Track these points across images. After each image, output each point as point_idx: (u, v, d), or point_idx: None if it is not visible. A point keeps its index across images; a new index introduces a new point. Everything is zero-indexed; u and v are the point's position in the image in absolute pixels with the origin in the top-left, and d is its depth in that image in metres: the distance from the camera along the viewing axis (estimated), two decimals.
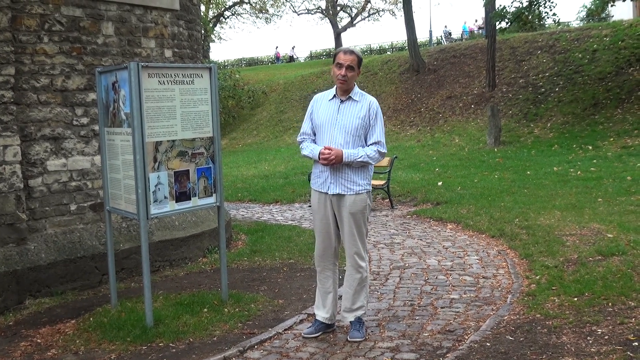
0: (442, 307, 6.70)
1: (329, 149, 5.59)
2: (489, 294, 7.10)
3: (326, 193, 5.76)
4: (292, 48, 61.73)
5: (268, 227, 11.61)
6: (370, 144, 5.69)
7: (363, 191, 5.73)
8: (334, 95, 5.83)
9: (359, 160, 5.61)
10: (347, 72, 5.65)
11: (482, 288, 7.36)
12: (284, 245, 9.92)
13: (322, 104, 5.88)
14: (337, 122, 5.72)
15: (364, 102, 5.75)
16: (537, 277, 7.39)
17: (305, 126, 5.96)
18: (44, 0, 7.84)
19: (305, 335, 5.94)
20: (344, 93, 5.77)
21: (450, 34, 55.11)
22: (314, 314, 6.15)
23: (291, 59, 59.96)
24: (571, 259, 7.92)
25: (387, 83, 34.22)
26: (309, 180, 15.05)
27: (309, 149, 5.81)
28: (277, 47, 64.34)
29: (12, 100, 7.46)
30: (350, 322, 5.94)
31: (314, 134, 5.90)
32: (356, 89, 5.81)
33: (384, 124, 5.86)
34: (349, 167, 5.66)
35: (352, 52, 5.75)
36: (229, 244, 10.11)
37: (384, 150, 5.73)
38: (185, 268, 8.85)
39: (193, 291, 7.48)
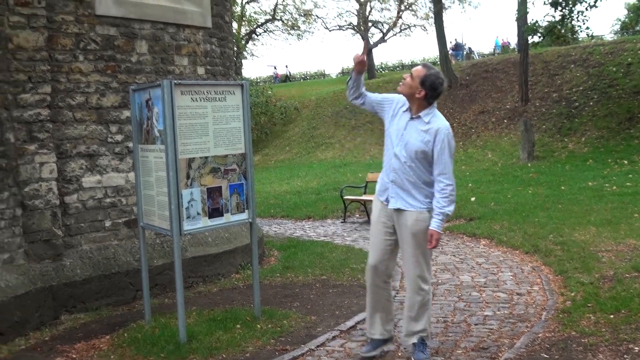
0: (475, 324, 6.64)
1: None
2: (523, 311, 7.02)
3: (386, 204, 5.54)
4: (286, 67, 62.12)
5: (300, 244, 11.62)
6: (436, 175, 5.32)
7: (425, 209, 5.40)
8: (408, 108, 5.51)
9: (443, 218, 5.30)
10: (407, 77, 5.43)
11: (516, 305, 7.28)
12: (316, 262, 9.91)
13: (399, 112, 5.57)
14: (402, 139, 5.43)
15: (433, 127, 5.35)
16: (572, 294, 7.30)
17: (377, 95, 5.79)
18: (79, 19, 7.96)
19: (364, 355, 5.71)
20: (416, 108, 5.43)
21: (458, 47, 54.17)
22: (367, 331, 5.88)
23: (287, 78, 60.03)
24: (607, 276, 7.82)
25: None
26: (342, 196, 15.18)
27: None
28: (275, 66, 64.68)
29: (48, 118, 7.57)
30: (413, 343, 5.60)
31: (369, 98, 5.71)
32: (428, 109, 5.44)
33: (453, 150, 5.45)
34: (410, 182, 5.40)
35: (423, 66, 5.49)
36: (261, 260, 10.12)
37: (450, 182, 5.32)
38: (218, 284, 8.88)
39: (226, 307, 7.49)
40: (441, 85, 5.39)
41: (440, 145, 5.31)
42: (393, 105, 5.63)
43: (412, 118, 5.45)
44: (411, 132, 5.41)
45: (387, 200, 5.55)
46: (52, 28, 7.72)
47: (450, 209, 5.32)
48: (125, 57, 8.42)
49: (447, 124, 5.43)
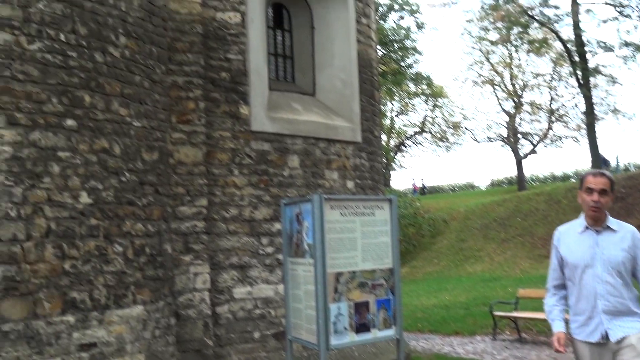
0: None
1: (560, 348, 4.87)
2: None
3: (603, 341, 4.86)
4: (421, 179, 61.85)
5: None
6: None
7: None
8: (585, 226, 5.02)
9: None
10: (600, 197, 4.88)
11: None
12: None
13: (572, 238, 5.07)
14: (599, 258, 4.88)
15: (625, 231, 4.95)
16: None
17: (552, 273, 5.23)
18: (235, 135, 8.32)
19: None
20: (597, 222, 4.97)
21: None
22: None
23: (422, 191, 59.62)
24: None
25: (571, 211, 32.99)
26: (491, 312, 14.68)
27: (550, 315, 5.13)
28: (413, 179, 64.89)
29: (204, 230, 7.85)
30: None
31: (563, 275, 5.15)
32: (610, 216, 5.04)
33: None
34: (621, 302, 4.83)
35: (602, 174, 4.99)
36: None
37: None
38: None
39: None
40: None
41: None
42: (560, 244, 5.21)
43: (599, 232, 4.99)
44: (607, 246, 4.93)
45: (604, 337, 4.88)
46: (210, 144, 8.10)
47: None
48: (277, 171, 8.68)
49: (632, 226, 5.08)
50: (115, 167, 6.83)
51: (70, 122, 6.41)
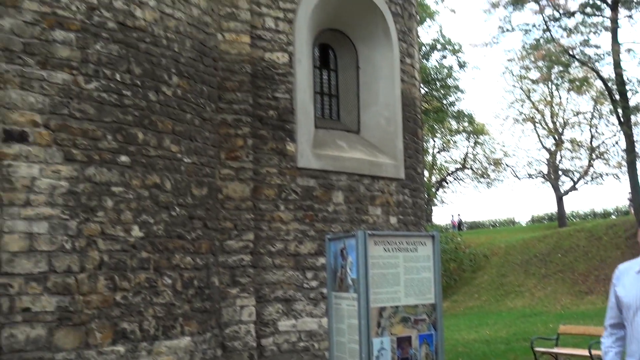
0: None
1: None
2: None
3: None
4: (458, 215, 61.07)
5: None
6: None
7: None
8: None
9: None
10: None
11: None
12: None
13: (629, 278, 4.70)
14: None
15: None
16: None
17: (610, 312, 4.89)
18: (282, 172, 8.35)
19: None
20: None
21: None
22: None
23: (459, 226, 58.93)
24: None
25: (612, 248, 32.38)
26: (532, 348, 14.39)
27: (606, 357, 4.79)
28: (452, 215, 64.19)
29: (250, 263, 7.86)
30: None
31: (621, 314, 4.78)
32: None
33: None
34: None
35: None
36: None
37: None
38: None
39: None
40: None
41: None
42: (618, 282, 4.85)
43: None
44: None
45: None
46: (257, 180, 8.14)
47: None
48: (322, 206, 8.67)
49: None
50: (166, 202, 6.89)
51: (124, 158, 6.50)
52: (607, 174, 52.24)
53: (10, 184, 5.73)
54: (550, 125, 51.10)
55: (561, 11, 28.49)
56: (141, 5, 6.85)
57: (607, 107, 44.85)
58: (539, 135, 51.79)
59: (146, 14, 6.89)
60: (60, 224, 5.96)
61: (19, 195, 5.77)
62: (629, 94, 33.41)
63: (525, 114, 51.60)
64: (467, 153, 55.64)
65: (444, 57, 48.53)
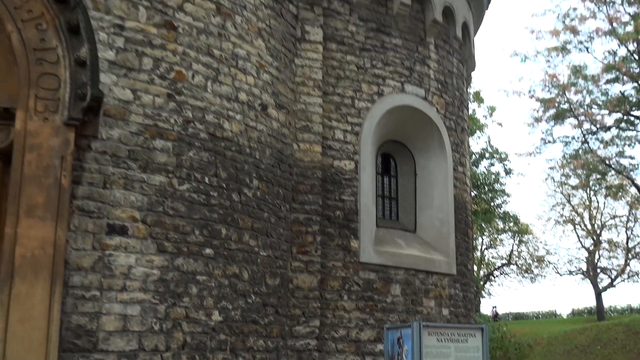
0: None
1: None
2: None
3: None
4: (494, 307, 58.99)
5: None
6: None
7: None
8: None
9: None
10: None
11: None
12: None
13: None
14: None
15: None
16: None
17: None
18: (346, 265, 8.29)
19: None
20: None
21: None
22: None
23: (495, 317, 56.85)
24: None
25: None
26: None
27: None
28: (493, 307, 61.94)
29: (315, 347, 7.72)
30: None
31: None
32: None
33: None
34: None
35: None
36: None
37: None
38: None
39: None
40: None
41: None
42: None
43: None
44: None
45: None
46: (324, 272, 8.08)
47: None
48: (381, 297, 8.53)
49: None
50: (243, 290, 6.88)
51: (208, 251, 6.56)
52: None
53: (110, 271, 5.83)
54: (589, 226, 49.87)
55: (598, 125, 28.18)
56: (229, 118, 7.04)
57: None
58: (578, 236, 50.54)
59: (233, 126, 7.08)
60: (150, 308, 5.99)
61: (117, 282, 5.85)
62: None
63: (565, 216, 50.58)
64: (512, 250, 54.36)
65: (492, 164, 48.17)
